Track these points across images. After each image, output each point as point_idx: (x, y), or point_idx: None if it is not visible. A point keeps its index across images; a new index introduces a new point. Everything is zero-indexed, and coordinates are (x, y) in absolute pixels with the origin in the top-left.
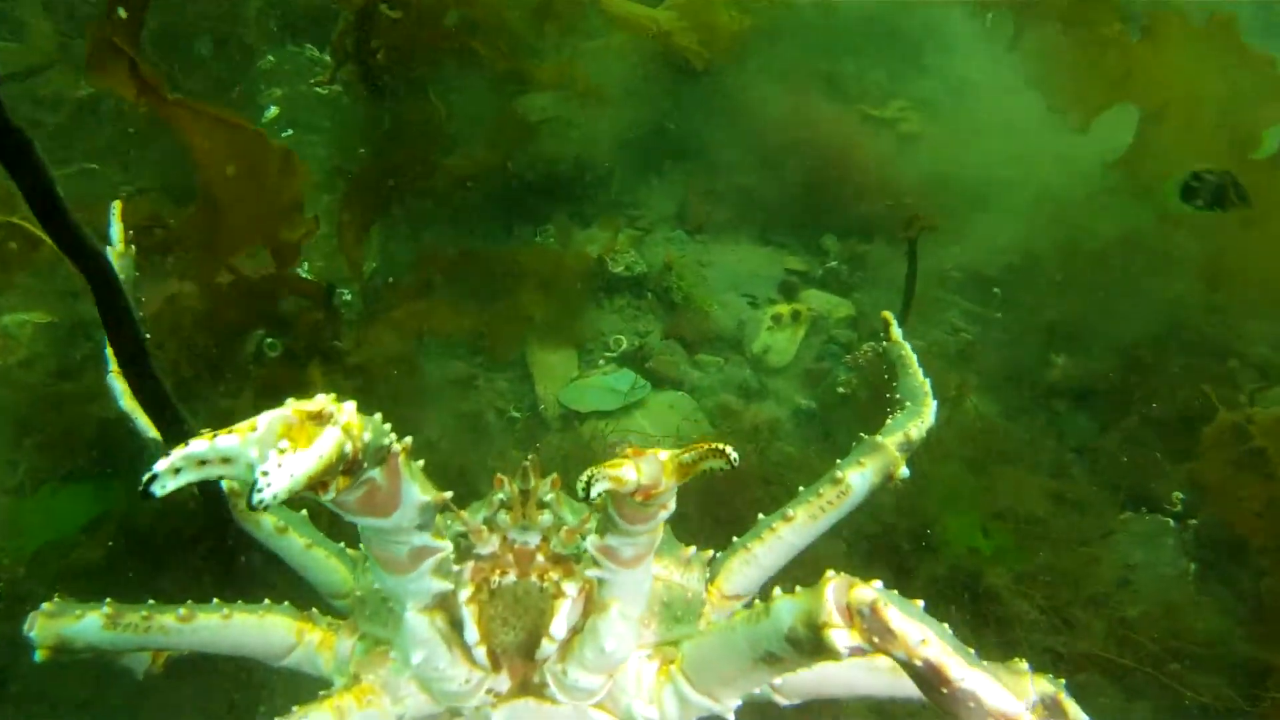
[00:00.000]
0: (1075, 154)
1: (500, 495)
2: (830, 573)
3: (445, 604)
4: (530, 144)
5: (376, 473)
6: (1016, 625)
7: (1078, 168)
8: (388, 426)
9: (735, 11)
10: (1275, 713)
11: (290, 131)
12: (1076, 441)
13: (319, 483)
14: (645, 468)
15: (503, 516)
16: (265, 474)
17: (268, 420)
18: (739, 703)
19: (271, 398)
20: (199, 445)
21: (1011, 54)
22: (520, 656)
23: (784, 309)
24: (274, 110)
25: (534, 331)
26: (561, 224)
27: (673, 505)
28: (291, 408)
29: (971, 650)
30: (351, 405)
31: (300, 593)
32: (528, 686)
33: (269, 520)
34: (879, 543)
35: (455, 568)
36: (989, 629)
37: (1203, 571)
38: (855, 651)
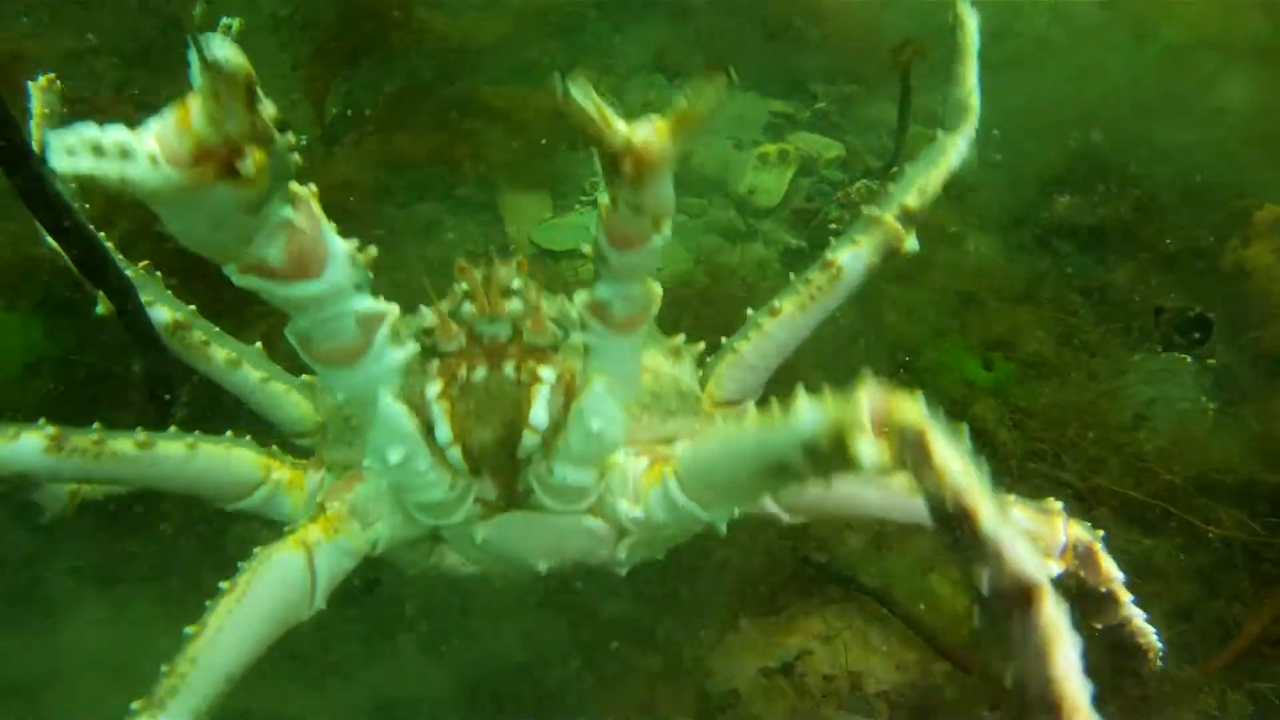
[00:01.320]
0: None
1: (462, 284)
2: (869, 379)
3: (414, 400)
4: None
5: (290, 212)
6: (1015, 459)
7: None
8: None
9: None
10: None
11: None
12: (1082, 282)
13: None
14: (638, 124)
15: (467, 308)
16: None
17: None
18: (732, 515)
19: None
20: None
21: None
22: (501, 456)
23: (771, 149)
24: None
25: (505, 172)
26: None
27: (668, 228)
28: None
29: (1012, 497)
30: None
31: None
32: (514, 496)
33: (219, 354)
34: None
35: (421, 366)
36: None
37: (1223, 408)
38: (878, 468)
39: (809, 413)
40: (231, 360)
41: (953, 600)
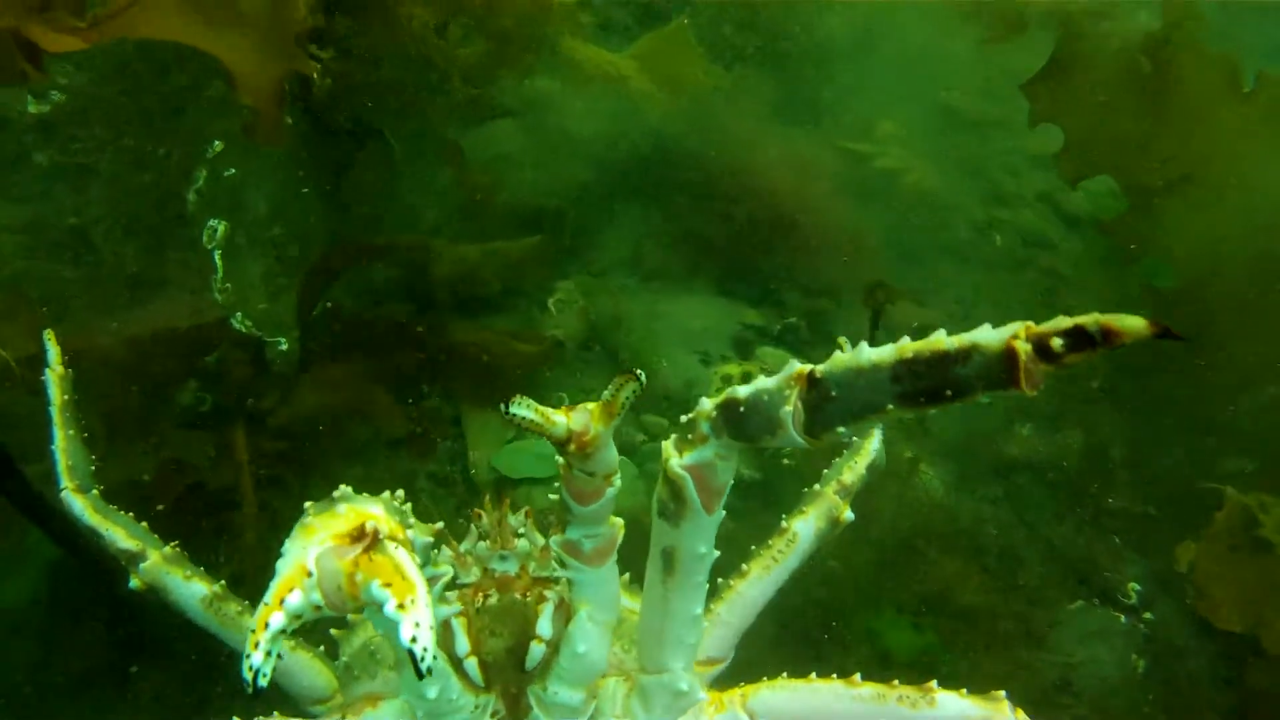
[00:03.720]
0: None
1: (476, 527)
2: None
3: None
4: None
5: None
6: None
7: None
8: (400, 494)
9: (702, 69)
10: None
11: (233, 171)
12: (1030, 522)
13: None
14: (576, 415)
15: (482, 546)
16: (413, 637)
17: (314, 556)
18: (691, 674)
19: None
20: (276, 619)
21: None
22: (510, 668)
23: (735, 369)
24: (218, 145)
25: (472, 390)
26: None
27: (617, 481)
28: (326, 533)
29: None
30: (378, 508)
31: None
32: (517, 710)
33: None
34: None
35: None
36: None
37: (1153, 666)
38: (695, 471)
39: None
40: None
41: None
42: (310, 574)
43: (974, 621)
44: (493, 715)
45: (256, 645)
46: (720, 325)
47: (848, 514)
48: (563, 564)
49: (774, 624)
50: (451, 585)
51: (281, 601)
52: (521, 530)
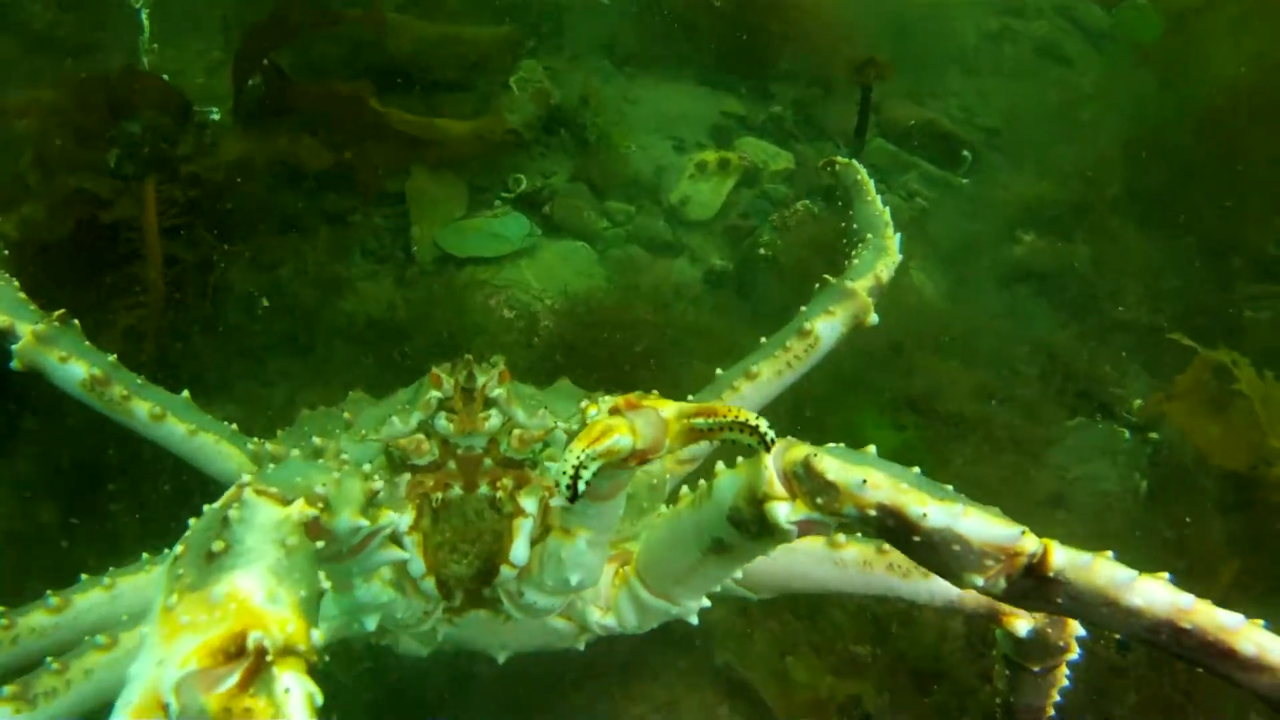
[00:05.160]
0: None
1: (436, 394)
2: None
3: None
4: None
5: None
6: None
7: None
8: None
9: None
10: None
11: None
12: (1029, 333)
13: None
14: (643, 428)
15: (443, 422)
16: None
17: (172, 683)
18: (701, 603)
19: None
20: None
21: None
22: (474, 584)
23: (711, 156)
24: None
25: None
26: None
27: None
28: (194, 642)
29: (947, 487)
30: (268, 604)
31: None
32: (478, 599)
33: (142, 408)
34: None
35: (389, 481)
36: None
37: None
38: (805, 528)
39: (728, 486)
40: (156, 414)
41: (808, 685)
42: (168, 708)
43: (962, 429)
44: (447, 611)
45: None
46: (699, 112)
47: (873, 317)
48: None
49: None
50: (401, 468)
51: None
52: (497, 396)
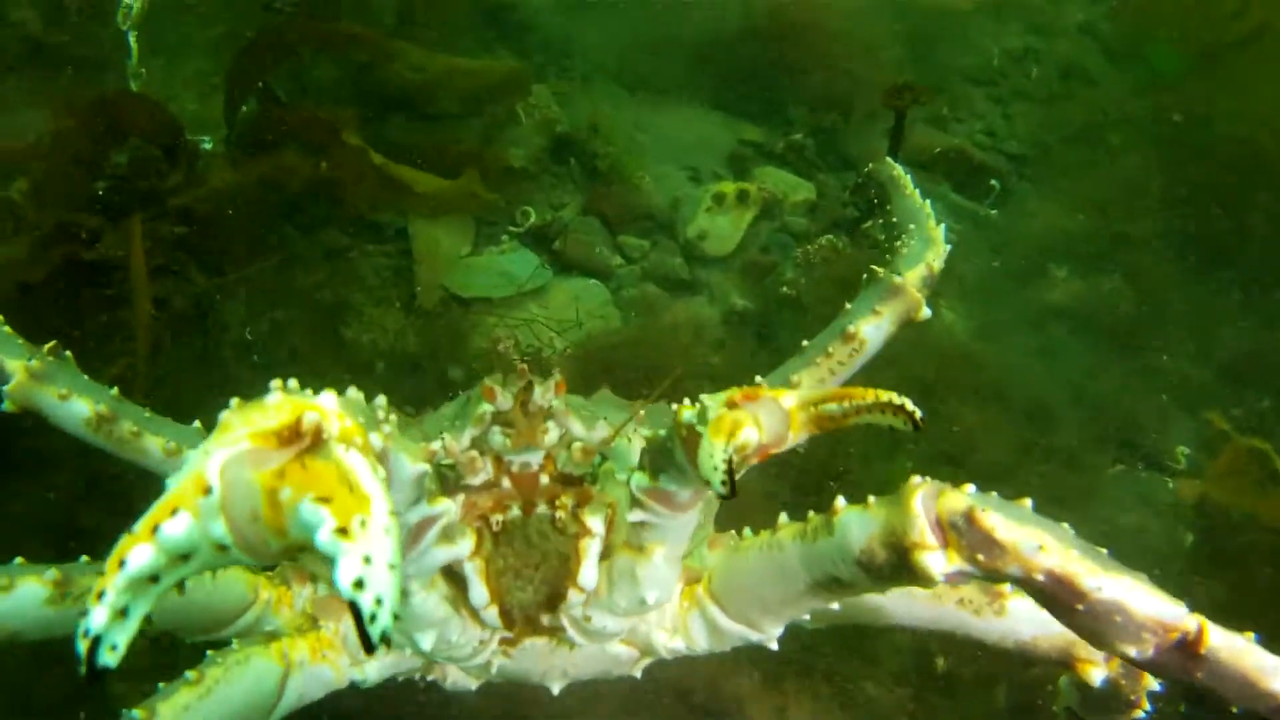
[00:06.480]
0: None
1: (490, 407)
2: (916, 479)
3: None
4: None
5: None
6: None
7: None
8: (381, 402)
9: None
10: None
11: None
12: (1066, 376)
13: None
14: (765, 421)
15: (498, 437)
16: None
17: (218, 464)
18: (781, 630)
19: None
20: (139, 554)
21: None
22: (540, 611)
23: (729, 188)
24: None
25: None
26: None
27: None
28: (243, 430)
29: (1103, 551)
30: (330, 400)
31: None
32: (537, 627)
33: (154, 444)
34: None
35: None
36: None
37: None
38: (955, 578)
39: (857, 526)
40: (170, 450)
41: None
42: (210, 489)
43: (999, 481)
44: (503, 643)
45: (100, 597)
46: (715, 139)
47: (926, 310)
48: (644, 508)
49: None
50: (454, 489)
51: (155, 529)
52: (549, 406)
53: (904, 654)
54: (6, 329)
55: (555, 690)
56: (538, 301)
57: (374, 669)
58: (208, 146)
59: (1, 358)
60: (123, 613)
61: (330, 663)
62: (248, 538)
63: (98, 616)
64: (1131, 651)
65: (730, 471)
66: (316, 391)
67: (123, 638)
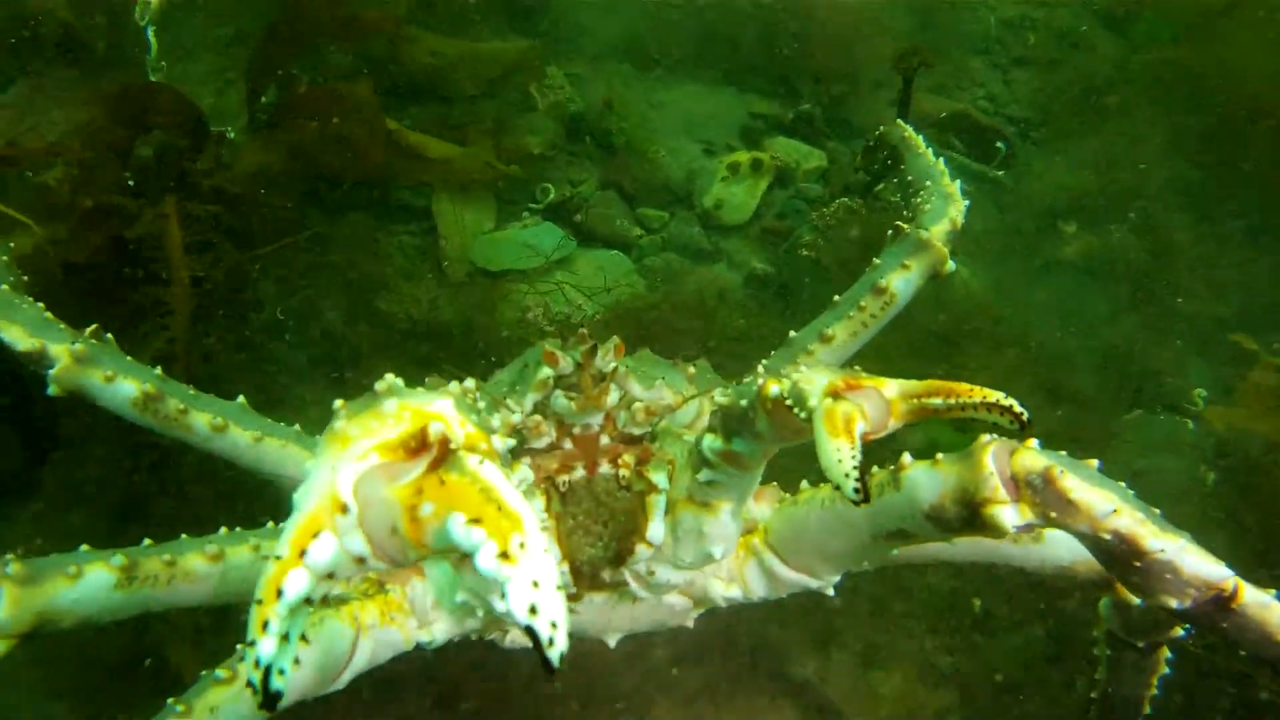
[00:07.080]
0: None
1: (551, 372)
2: (985, 437)
3: None
4: None
5: None
6: None
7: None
8: (470, 385)
9: None
10: None
11: None
12: (1082, 325)
13: None
14: (870, 410)
15: (561, 401)
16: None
17: (350, 481)
18: (839, 577)
19: None
20: (295, 581)
21: None
22: (605, 566)
23: (743, 157)
24: None
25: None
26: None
27: None
28: (368, 443)
29: (1157, 511)
30: (446, 404)
31: None
32: (599, 582)
33: (201, 420)
34: None
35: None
36: None
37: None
38: (1025, 529)
39: (927, 482)
40: (217, 426)
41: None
42: (347, 508)
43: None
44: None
45: (265, 627)
46: (726, 113)
47: (951, 264)
48: (714, 466)
49: None
50: (520, 453)
51: (302, 553)
52: (612, 369)
53: (940, 595)
54: (47, 314)
55: (612, 644)
56: (564, 271)
57: (440, 630)
58: (230, 135)
59: (45, 343)
60: (284, 638)
61: (399, 625)
62: (387, 550)
63: (267, 646)
64: (1172, 603)
65: (863, 477)
66: (409, 384)
67: (286, 662)
